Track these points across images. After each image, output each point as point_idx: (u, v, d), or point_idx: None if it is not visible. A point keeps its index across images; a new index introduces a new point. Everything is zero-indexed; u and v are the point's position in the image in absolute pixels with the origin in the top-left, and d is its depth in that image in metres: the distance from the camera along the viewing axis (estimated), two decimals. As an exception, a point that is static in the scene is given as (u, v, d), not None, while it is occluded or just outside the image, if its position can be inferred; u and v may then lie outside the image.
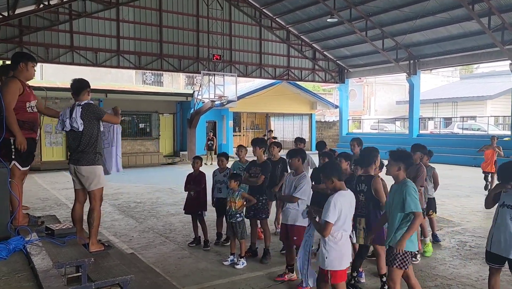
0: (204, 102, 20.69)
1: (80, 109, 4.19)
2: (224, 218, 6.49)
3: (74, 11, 17.60)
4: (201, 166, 6.76)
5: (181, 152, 22.39)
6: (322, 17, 20.65)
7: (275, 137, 16.10)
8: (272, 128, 24.50)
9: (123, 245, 6.74)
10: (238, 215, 5.76)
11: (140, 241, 7.07)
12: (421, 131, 24.58)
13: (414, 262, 5.77)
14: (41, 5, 16.14)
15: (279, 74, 23.51)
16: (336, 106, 27.87)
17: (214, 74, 20.15)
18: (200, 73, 20.33)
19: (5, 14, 15.54)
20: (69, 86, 4.37)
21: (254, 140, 6.42)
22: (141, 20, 19.28)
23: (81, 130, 4.18)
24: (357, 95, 38.12)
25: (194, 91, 22.19)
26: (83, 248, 3.77)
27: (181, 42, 20.30)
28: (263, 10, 22.42)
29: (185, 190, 6.76)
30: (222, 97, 20.05)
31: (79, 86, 4.34)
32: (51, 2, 16.48)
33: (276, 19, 22.81)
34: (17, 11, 15.87)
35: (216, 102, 20.56)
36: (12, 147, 4.14)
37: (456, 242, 6.94)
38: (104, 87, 19.85)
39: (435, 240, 6.83)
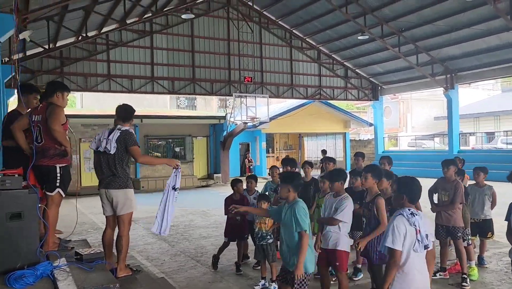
0: (236, 124, 20.83)
1: (118, 134, 4.27)
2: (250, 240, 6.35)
3: (111, 41, 18.35)
4: (242, 188, 6.64)
5: (215, 174, 22.51)
6: (353, 35, 20.51)
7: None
8: (305, 147, 24.29)
9: (155, 269, 6.72)
10: (268, 237, 5.62)
11: (171, 265, 7.03)
12: (462, 147, 23.61)
13: (464, 288, 5.43)
14: (80, 37, 16.95)
15: (311, 94, 23.41)
16: (371, 124, 27.34)
17: (246, 96, 20.31)
18: (232, 95, 20.56)
19: (46, 47, 16.45)
20: (115, 112, 4.45)
21: (284, 160, 6.31)
22: (174, 47, 19.82)
23: (112, 153, 4.22)
24: (393, 112, 37.31)
25: (226, 114, 22.41)
26: (110, 273, 3.74)
27: (213, 66, 20.68)
28: (293, 31, 22.57)
29: (225, 214, 6.61)
30: (254, 119, 20.12)
31: (127, 115, 4.45)
32: (90, 34, 17.28)
33: (307, 39, 22.87)
34: (58, 43, 16.74)
35: (248, 124, 20.64)
36: (58, 174, 4.25)
37: (504, 265, 6.46)
38: (139, 113, 20.35)
39: (481, 263, 6.40)
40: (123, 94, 19.36)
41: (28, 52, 15.82)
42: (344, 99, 25.31)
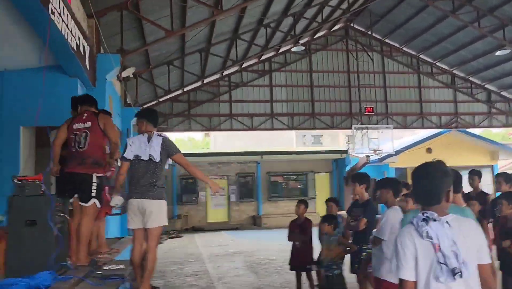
0: (359, 158, 19.63)
1: (161, 140, 4.06)
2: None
3: (232, 82, 19.45)
4: (305, 211, 6.00)
5: (338, 212, 21.29)
6: (492, 52, 17.85)
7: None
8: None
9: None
10: (334, 267, 4.76)
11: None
12: None
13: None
14: (205, 81, 18.37)
15: (445, 122, 20.89)
16: (528, 155, 22.93)
17: (367, 128, 19.10)
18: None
19: (179, 92, 18.26)
20: (141, 116, 4.30)
21: (354, 176, 5.42)
22: (293, 83, 20.00)
23: (157, 161, 4.01)
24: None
25: (348, 148, 21.37)
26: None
27: (333, 100, 20.17)
28: (421, 56, 20.79)
29: (289, 240, 6.02)
30: (377, 151, 18.68)
31: (157, 118, 4.36)
32: (213, 78, 18.66)
33: (437, 63, 20.79)
34: (186, 88, 18.40)
35: (372, 158, 19.25)
36: (94, 183, 4.22)
37: None
38: (259, 149, 20.84)
39: None
40: (245, 132, 20.16)
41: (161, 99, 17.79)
42: (489, 126, 21.92)
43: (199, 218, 20.07)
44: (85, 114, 4.45)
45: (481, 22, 16.14)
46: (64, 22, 6.45)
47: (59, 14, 6.14)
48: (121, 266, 3.95)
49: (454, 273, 1.93)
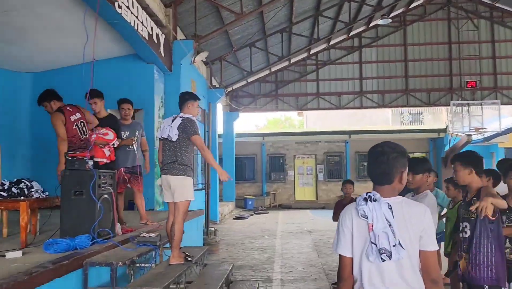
0: (460, 137, 18.01)
1: (180, 120, 4.37)
2: None
3: (320, 61, 19.16)
4: (352, 191, 5.89)
5: (436, 195, 19.95)
6: None
7: None
8: None
9: (277, 275, 6.54)
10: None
11: (295, 274, 6.67)
12: None
13: None
14: (292, 61, 18.41)
15: None
16: None
17: (468, 104, 17.38)
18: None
19: (267, 72, 18.63)
20: None
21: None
22: (384, 59, 18.99)
23: (174, 140, 4.30)
24: None
25: (447, 126, 19.69)
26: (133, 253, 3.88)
27: (430, 74, 18.69)
28: (539, 20, 18.09)
29: (334, 220, 5.99)
30: (480, 130, 16.93)
31: (182, 98, 4.67)
32: (300, 57, 18.60)
33: (561, 27, 17.91)
34: (273, 69, 18.66)
35: (474, 137, 17.52)
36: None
37: None
38: (347, 128, 20.36)
39: None
40: (336, 110, 19.82)
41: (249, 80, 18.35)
42: None
43: (287, 196, 20.48)
44: (68, 108, 4.69)
45: None
46: (133, 14, 7.12)
47: (127, 7, 6.80)
48: (155, 234, 4.39)
49: (380, 253, 1.90)
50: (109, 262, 3.45)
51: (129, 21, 6.80)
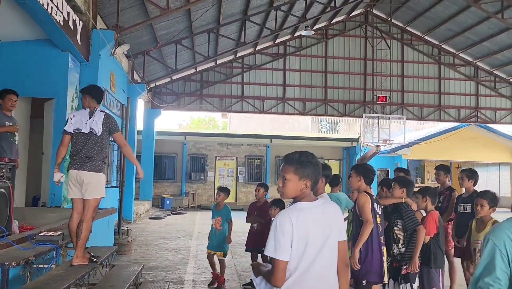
0: (370, 147, 19.35)
1: (103, 116, 4.20)
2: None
3: (246, 64, 19.41)
4: (264, 194, 6.07)
5: (347, 200, 21.19)
6: (518, 45, 17.06)
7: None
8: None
9: (189, 276, 6.49)
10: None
11: (209, 275, 6.67)
12: None
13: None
14: (218, 62, 18.41)
15: (464, 116, 20.21)
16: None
17: (378, 118, 18.75)
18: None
19: (192, 71, 18.42)
20: (86, 92, 4.38)
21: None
22: (307, 68, 19.77)
23: (98, 135, 4.13)
24: None
25: (359, 136, 21.07)
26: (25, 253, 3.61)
27: (347, 87, 19.84)
28: (443, 46, 20.07)
29: (247, 222, 6.15)
30: (387, 142, 18.35)
31: (101, 95, 4.47)
32: (226, 59, 18.68)
33: (460, 54, 20.04)
34: (198, 68, 18.52)
35: (382, 148, 18.93)
36: None
37: None
38: (269, 133, 20.84)
39: None
40: (259, 114, 20.17)
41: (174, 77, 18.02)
42: (511, 123, 21.07)
43: (206, 196, 20.42)
44: None
45: (504, 14, 15.39)
46: (47, -3, 6.62)
47: (41, -11, 6.31)
48: (57, 233, 4.12)
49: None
50: (0, 263, 3.16)
51: (41, 3, 6.31)
